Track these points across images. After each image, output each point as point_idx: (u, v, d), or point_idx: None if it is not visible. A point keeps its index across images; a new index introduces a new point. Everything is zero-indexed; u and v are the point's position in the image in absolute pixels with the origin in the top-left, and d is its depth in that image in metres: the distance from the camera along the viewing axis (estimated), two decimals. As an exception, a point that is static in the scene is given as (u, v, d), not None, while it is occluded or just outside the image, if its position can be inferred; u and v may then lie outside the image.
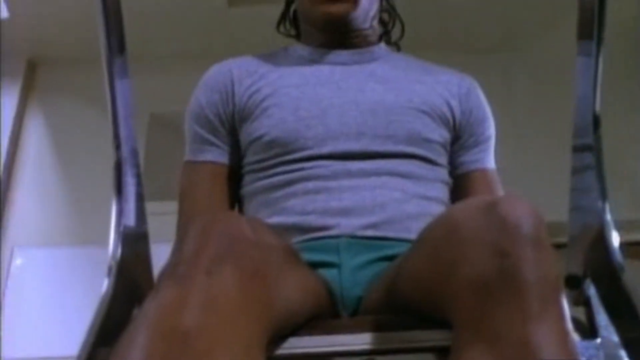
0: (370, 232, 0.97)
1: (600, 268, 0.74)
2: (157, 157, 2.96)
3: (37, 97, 3.42)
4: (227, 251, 0.62)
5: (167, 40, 3.11)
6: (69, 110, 3.34)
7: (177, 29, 3.05)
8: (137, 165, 0.86)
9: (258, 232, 0.67)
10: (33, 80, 3.43)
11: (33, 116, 3.38)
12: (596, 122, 0.86)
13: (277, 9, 1.27)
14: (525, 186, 2.73)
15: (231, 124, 1.10)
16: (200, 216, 0.67)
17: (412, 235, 0.89)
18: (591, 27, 0.87)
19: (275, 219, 1.00)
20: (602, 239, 0.74)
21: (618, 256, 0.73)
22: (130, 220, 0.83)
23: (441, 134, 1.09)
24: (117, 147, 0.82)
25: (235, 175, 1.11)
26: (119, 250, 0.78)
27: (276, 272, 0.68)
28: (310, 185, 1.00)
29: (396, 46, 1.25)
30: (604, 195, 0.79)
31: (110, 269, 0.77)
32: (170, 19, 2.99)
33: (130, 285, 0.80)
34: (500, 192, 1.14)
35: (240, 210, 1.12)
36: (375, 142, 1.03)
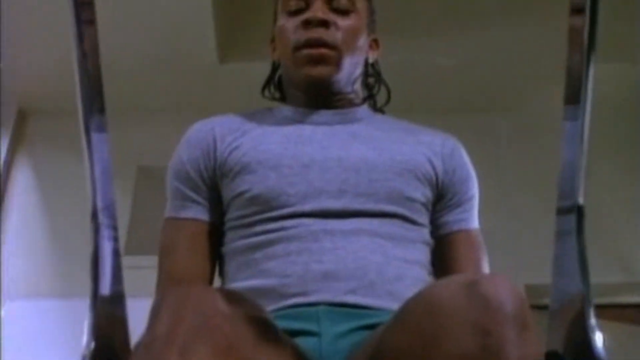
0: (350, 298, 0.95)
1: (581, 355, 0.72)
2: (144, 210, 2.94)
3: (27, 147, 3.40)
4: (201, 328, 0.61)
5: (158, 94, 3.13)
6: (58, 162, 3.32)
7: (168, 83, 3.07)
8: (114, 228, 0.84)
9: (233, 304, 0.66)
10: (23, 130, 3.43)
11: (21, 166, 3.35)
12: (580, 212, 0.85)
13: (268, 66, 1.27)
14: (510, 248, 2.73)
15: (213, 180, 1.10)
16: (175, 289, 0.66)
17: (393, 302, 0.88)
18: (578, 92, 0.87)
19: (255, 282, 0.99)
20: (583, 321, 0.72)
21: (599, 350, 0.71)
22: (106, 288, 0.81)
23: (423, 193, 1.08)
24: (96, 229, 0.79)
25: (217, 232, 1.10)
26: (92, 344, 0.75)
27: (251, 346, 0.66)
28: (292, 246, 0.99)
29: (381, 111, 1.25)
30: (586, 280, 0.78)
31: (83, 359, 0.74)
32: (161, 74, 3.00)
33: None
34: (484, 253, 1.13)
35: (221, 269, 1.10)
36: (356, 200, 1.03)
